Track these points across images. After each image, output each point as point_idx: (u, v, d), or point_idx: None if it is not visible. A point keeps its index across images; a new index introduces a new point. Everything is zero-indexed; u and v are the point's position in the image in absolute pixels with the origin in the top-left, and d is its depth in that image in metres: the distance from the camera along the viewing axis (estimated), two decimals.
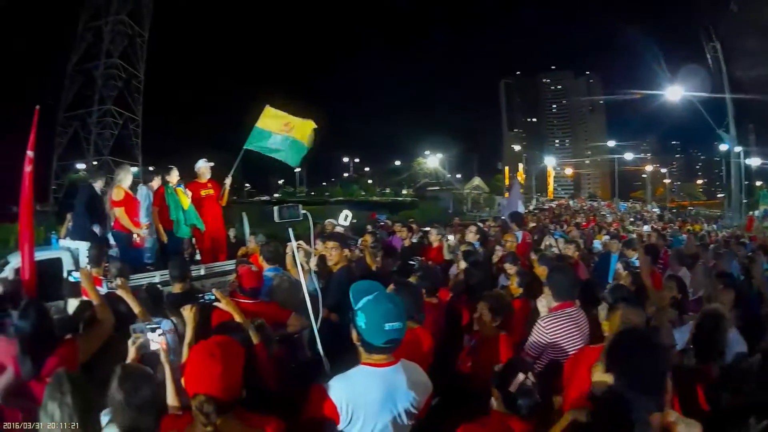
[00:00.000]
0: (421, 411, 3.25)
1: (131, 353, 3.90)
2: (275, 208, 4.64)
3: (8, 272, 7.58)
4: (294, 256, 5.41)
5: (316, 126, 9.69)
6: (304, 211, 4.83)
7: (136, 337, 3.93)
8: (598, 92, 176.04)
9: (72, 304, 5.67)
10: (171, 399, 3.61)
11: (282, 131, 9.50)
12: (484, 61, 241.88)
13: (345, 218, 9.53)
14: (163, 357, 3.86)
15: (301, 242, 6.11)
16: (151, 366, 3.70)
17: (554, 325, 4.98)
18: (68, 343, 4.21)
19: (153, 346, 3.90)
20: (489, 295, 5.27)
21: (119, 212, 8.69)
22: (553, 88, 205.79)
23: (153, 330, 3.94)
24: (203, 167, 10.22)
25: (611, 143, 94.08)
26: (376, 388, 3.04)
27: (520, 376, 3.35)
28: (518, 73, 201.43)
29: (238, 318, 4.39)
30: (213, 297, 4.58)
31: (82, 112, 62.17)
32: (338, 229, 10.34)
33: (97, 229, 8.66)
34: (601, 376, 3.20)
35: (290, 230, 4.88)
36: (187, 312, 4.28)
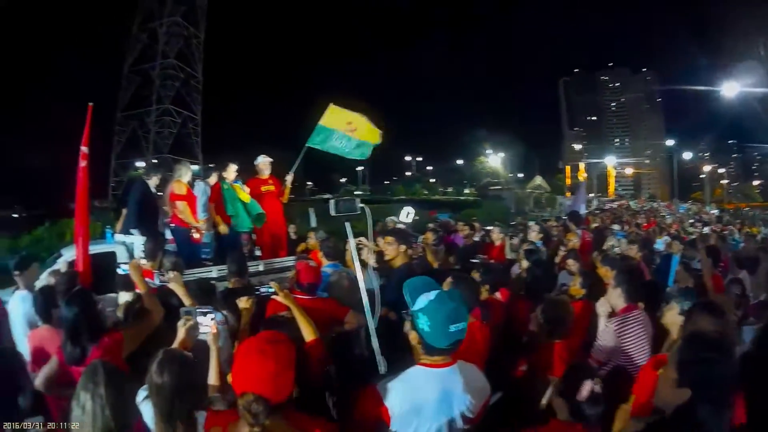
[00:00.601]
0: (477, 415, 3.06)
1: (180, 334, 3.89)
2: (331, 202, 4.54)
3: (61, 265, 7.54)
4: (353, 252, 5.28)
5: (380, 132, 9.55)
6: (362, 205, 4.72)
7: (186, 319, 3.93)
8: (656, 89, 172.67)
9: (123, 297, 5.63)
10: (213, 379, 3.74)
11: (346, 131, 9.38)
12: (544, 58, 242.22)
13: (407, 215, 9.34)
14: (211, 340, 3.88)
15: (361, 238, 5.94)
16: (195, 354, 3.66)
17: (624, 329, 4.78)
18: (114, 334, 4.21)
19: (203, 329, 3.91)
20: (548, 301, 5.08)
21: (182, 205, 8.73)
22: (611, 85, 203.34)
23: (204, 314, 3.93)
24: (262, 163, 10.19)
25: (669, 142, 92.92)
26: (432, 390, 2.89)
27: (588, 384, 3.16)
28: (576, 70, 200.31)
29: (295, 311, 4.28)
30: (271, 290, 4.49)
31: (140, 112, 63.65)
32: (399, 226, 10.14)
33: (149, 223, 8.68)
34: (668, 384, 3.09)
35: (347, 225, 4.75)
36: (243, 303, 4.39)
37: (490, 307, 5.40)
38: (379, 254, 6.36)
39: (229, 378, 2.76)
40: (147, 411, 3.09)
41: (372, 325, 4.33)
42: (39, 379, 4.24)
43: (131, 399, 2.90)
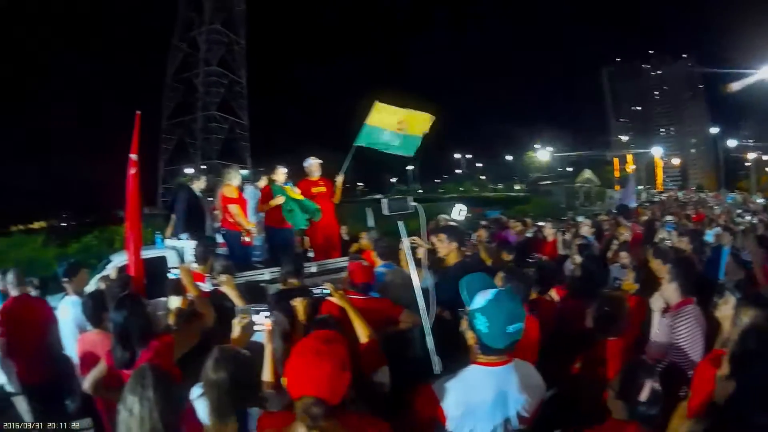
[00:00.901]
0: (532, 414, 3.02)
1: (235, 332, 3.91)
2: (383, 201, 4.61)
3: (111, 270, 7.61)
4: (406, 251, 5.22)
5: (431, 117, 9.51)
6: (414, 203, 4.76)
7: (242, 317, 3.95)
8: (698, 75, 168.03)
9: (173, 302, 5.64)
10: (267, 377, 3.72)
11: (396, 129, 9.36)
12: (585, 48, 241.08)
13: (459, 212, 9.26)
14: (266, 337, 3.89)
15: (414, 237, 5.95)
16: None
17: (679, 324, 4.66)
18: (164, 337, 4.21)
19: (257, 328, 3.93)
20: (603, 296, 5.01)
21: (234, 209, 8.75)
22: (653, 73, 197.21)
23: (258, 312, 3.95)
24: (313, 165, 10.17)
25: (713, 130, 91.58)
26: (488, 389, 2.85)
27: (648, 383, 3.13)
28: (618, 59, 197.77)
29: (350, 312, 4.31)
30: (326, 291, 4.54)
31: (186, 119, 64.48)
32: (451, 224, 10.06)
33: (197, 228, 8.83)
34: (725, 382, 3.07)
35: (400, 223, 4.72)
36: (298, 304, 4.38)
37: (542, 305, 5.50)
38: (432, 252, 6.24)
39: (284, 381, 2.63)
40: (202, 407, 3.13)
41: (427, 324, 4.36)
42: (87, 382, 4.29)
43: (179, 402, 2.89)
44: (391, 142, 9.55)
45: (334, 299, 4.44)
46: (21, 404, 6.51)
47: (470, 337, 2.94)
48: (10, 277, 6.95)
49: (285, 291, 5.78)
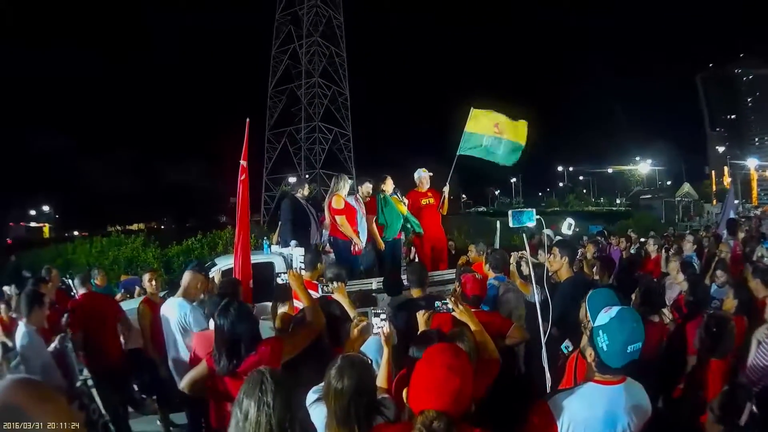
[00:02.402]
0: None
1: (353, 334, 3.98)
2: (510, 212, 4.50)
3: (214, 273, 7.74)
4: (525, 263, 5.19)
5: (526, 123, 9.52)
6: (538, 217, 4.66)
7: (359, 319, 4.03)
8: None
9: (280, 307, 5.72)
10: (382, 382, 3.64)
11: (494, 133, 9.36)
12: (678, 55, 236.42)
13: (568, 227, 9.08)
14: (383, 340, 3.90)
15: (522, 252, 6.00)
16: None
17: None
18: (272, 341, 4.25)
19: (375, 330, 3.97)
20: (711, 317, 4.83)
21: (341, 220, 8.74)
22: (745, 78, 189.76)
23: (377, 315, 3.99)
24: (423, 177, 10.13)
25: None
26: (600, 407, 2.85)
27: (748, 406, 3.11)
28: (711, 65, 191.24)
29: (473, 326, 4.22)
30: (448, 305, 4.42)
31: (289, 129, 65.44)
32: (558, 238, 9.97)
33: (302, 236, 8.79)
34: None
35: (524, 236, 4.72)
36: (421, 317, 4.36)
37: (648, 326, 5.22)
38: (538, 267, 6.12)
39: (405, 392, 2.64)
40: (317, 415, 3.14)
41: (543, 339, 4.42)
42: (184, 381, 4.35)
43: (297, 410, 2.78)
44: (492, 148, 9.60)
45: (456, 314, 4.35)
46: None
47: (589, 354, 2.94)
48: (77, 278, 7.61)
49: (409, 301, 5.83)
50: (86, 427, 4.57)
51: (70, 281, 10.32)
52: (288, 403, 2.67)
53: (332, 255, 8.76)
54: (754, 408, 3.05)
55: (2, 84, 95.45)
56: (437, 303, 4.49)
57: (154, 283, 7.37)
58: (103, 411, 5.92)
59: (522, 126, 9.76)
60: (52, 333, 6.24)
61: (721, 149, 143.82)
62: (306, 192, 9.49)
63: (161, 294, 7.70)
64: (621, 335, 2.79)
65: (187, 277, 6.18)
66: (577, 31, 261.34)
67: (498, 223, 11.45)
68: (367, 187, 9.62)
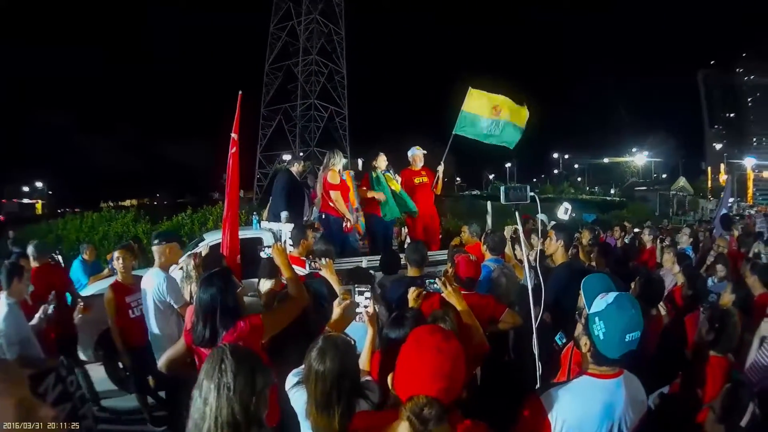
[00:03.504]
0: (633, 431, 2.85)
1: (336, 313, 3.81)
2: (502, 189, 4.53)
3: (202, 248, 7.76)
4: (518, 239, 5.09)
5: (526, 108, 9.59)
6: (532, 194, 4.63)
7: (342, 297, 3.85)
8: None
9: (264, 284, 5.59)
10: (364, 364, 3.56)
11: (492, 115, 9.33)
12: (681, 50, 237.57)
13: (565, 211, 9.00)
14: (367, 320, 3.79)
15: (517, 226, 5.66)
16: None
17: None
18: (252, 318, 3.98)
19: (359, 309, 3.84)
20: (716, 310, 4.72)
21: (335, 195, 8.75)
22: (746, 78, 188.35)
23: (361, 293, 3.86)
24: (417, 155, 10.12)
25: None
26: (596, 402, 2.71)
27: (751, 407, 3.09)
28: (712, 62, 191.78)
29: (460, 308, 4.08)
30: (435, 285, 4.31)
31: (285, 106, 65.49)
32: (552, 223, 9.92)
33: (295, 211, 8.77)
34: None
35: (517, 213, 4.66)
36: (411, 294, 4.23)
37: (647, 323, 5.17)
38: (533, 251, 6.05)
39: (389, 377, 2.40)
40: (297, 399, 3.06)
41: (534, 325, 4.22)
42: (162, 360, 4.21)
43: (264, 389, 2.55)
44: (491, 131, 9.60)
45: (444, 294, 4.20)
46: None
47: (584, 343, 2.80)
48: (31, 249, 7.44)
49: (408, 279, 5.72)
50: (61, 399, 4.46)
51: (59, 257, 10.18)
52: (252, 384, 2.46)
53: (321, 232, 8.55)
54: (756, 409, 2.95)
55: None
56: (428, 281, 4.36)
57: (122, 262, 6.89)
58: (81, 383, 5.81)
59: (524, 111, 9.77)
60: (37, 310, 6.08)
61: (718, 146, 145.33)
62: (301, 168, 9.41)
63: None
64: (619, 322, 2.65)
65: (155, 250, 6.19)
66: (580, 22, 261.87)
67: (489, 204, 11.38)
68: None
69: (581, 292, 3.01)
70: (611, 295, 2.75)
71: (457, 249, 6.94)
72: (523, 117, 9.75)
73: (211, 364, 2.49)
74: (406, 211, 9.73)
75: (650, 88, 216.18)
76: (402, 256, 6.49)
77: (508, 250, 6.73)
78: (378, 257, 7.26)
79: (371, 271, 5.85)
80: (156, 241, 6.17)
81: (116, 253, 7.05)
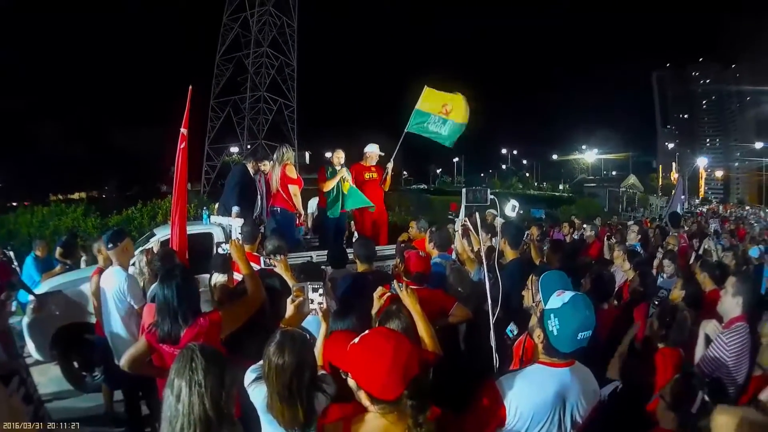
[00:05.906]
0: (585, 421, 2.97)
1: (289, 310, 3.79)
2: (463, 191, 4.68)
3: (153, 244, 7.72)
4: (475, 241, 5.12)
5: (466, 101, 9.73)
6: (492, 197, 4.60)
7: (296, 294, 3.83)
8: (747, 85, 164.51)
9: (217, 278, 5.59)
10: (318, 358, 3.46)
11: (441, 113, 9.39)
12: (637, 50, 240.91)
13: (513, 209, 9.03)
14: (321, 316, 3.74)
15: (465, 219, 5.87)
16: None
17: (736, 341, 4.57)
18: (212, 314, 4.08)
19: (313, 306, 3.79)
20: (665, 305, 4.97)
21: (294, 190, 8.83)
22: (701, 81, 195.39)
23: (315, 290, 3.80)
24: (373, 153, 10.21)
25: (758, 145, 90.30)
26: (548, 388, 2.82)
27: (700, 395, 3.15)
28: (668, 65, 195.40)
29: (415, 314, 3.95)
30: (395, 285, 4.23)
31: (234, 98, 64.89)
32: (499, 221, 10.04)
33: (247, 207, 8.75)
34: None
35: (476, 214, 4.75)
36: (377, 294, 4.10)
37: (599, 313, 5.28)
38: (490, 249, 6.13)
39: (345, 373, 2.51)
40: (257, 395, 3.07)
41: (492, 319, 4.24)
42: (123, 359, 4.11)
43: (232, 386, 2.68)
44: (438, 130, 9.65)
45: (401, 297, 4.05)
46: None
47: (538, 335, 2.89)
48: None
49: (357, 275, 5.79)
50: (24, 401, 4.37)
51: (11, 253, 10.03)
52: (221, 381, 2.56)
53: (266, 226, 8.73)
54: (705, 396, 3.03)
55: None
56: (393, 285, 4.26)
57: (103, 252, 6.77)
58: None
59: (463, 104, 9.74)
60: None
61: (671, 146, 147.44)
62: (255, 165, 9.38)
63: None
64: (573, 322, 2.75)
65: (126, 244, 6.06)
66: (535, 18, 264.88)
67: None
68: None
69: (538, 286, 3.11)
70: (567, 295, 2.85)
71: (405, 244, 6.98)
72: (465, 109, 9.74)
73: (182, 363, 2.56)
74: (363, 207, 9.78)
75: (603, 85, 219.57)
76: (350, 251, 6.51)
77: (458, 243, 6.68)
78: (325, 252, 7.24)
79: (322, 267, 5.86)
80: (110, 245, 5.97)
81: (96, 245, 6.98)
